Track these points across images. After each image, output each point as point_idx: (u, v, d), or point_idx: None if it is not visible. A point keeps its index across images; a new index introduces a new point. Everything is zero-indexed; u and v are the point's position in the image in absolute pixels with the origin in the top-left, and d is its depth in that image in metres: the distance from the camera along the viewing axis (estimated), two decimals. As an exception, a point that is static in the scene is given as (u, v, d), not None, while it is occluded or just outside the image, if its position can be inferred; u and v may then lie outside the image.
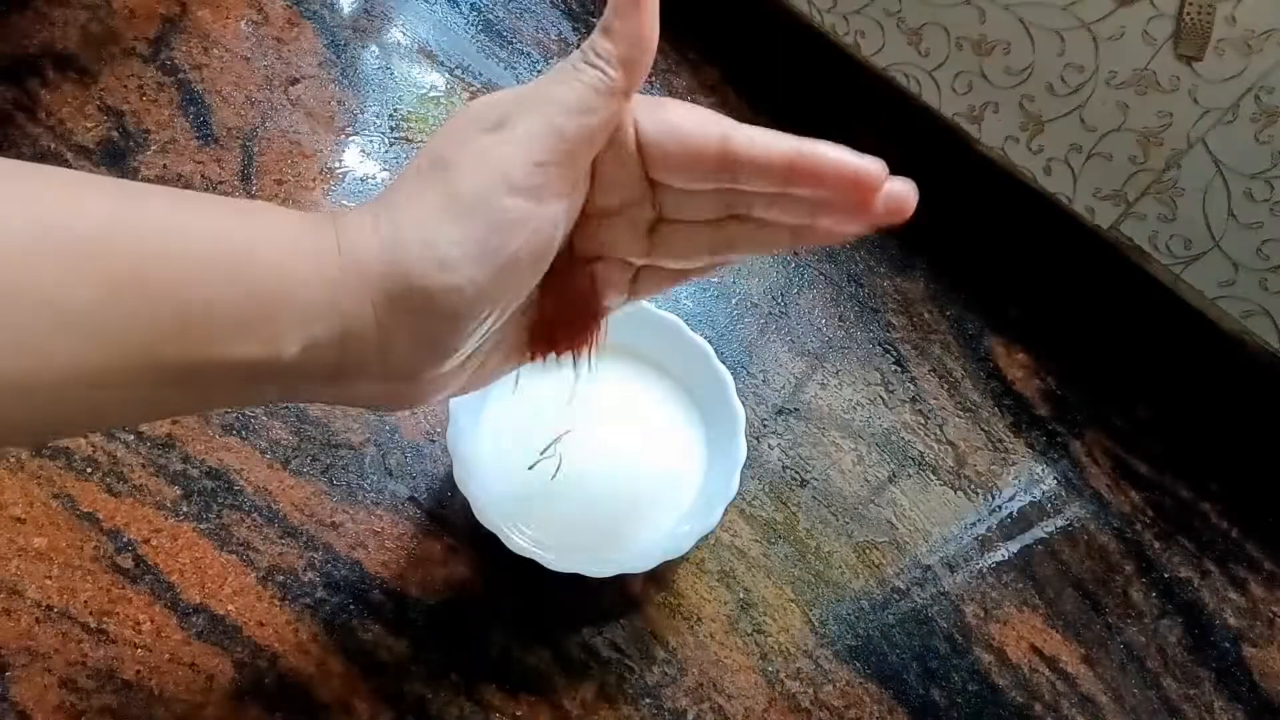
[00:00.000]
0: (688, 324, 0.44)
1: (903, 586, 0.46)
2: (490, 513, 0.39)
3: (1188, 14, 0.46)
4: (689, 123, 0.28)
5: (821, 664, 0.43)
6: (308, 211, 0.27)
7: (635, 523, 0.42)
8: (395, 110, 0.52)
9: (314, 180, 0.48)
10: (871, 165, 0.27)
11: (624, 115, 0.28)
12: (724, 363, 0.43)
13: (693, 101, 0.58)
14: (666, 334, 0.44)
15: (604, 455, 0.43)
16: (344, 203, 0.48)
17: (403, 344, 0.27)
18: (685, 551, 0.40)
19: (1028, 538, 0.49)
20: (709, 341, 0.44)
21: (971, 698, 0.44)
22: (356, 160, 0.49)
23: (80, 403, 0.24)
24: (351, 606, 0.39)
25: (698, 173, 0.28)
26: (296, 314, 0.25)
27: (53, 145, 0.45)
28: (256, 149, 0.48)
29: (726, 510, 0.41)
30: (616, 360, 0.45)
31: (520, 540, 0.39)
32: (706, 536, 0.40)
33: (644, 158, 0.29)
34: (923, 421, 0.51)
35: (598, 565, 0.39)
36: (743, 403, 0.43)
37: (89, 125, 0.46)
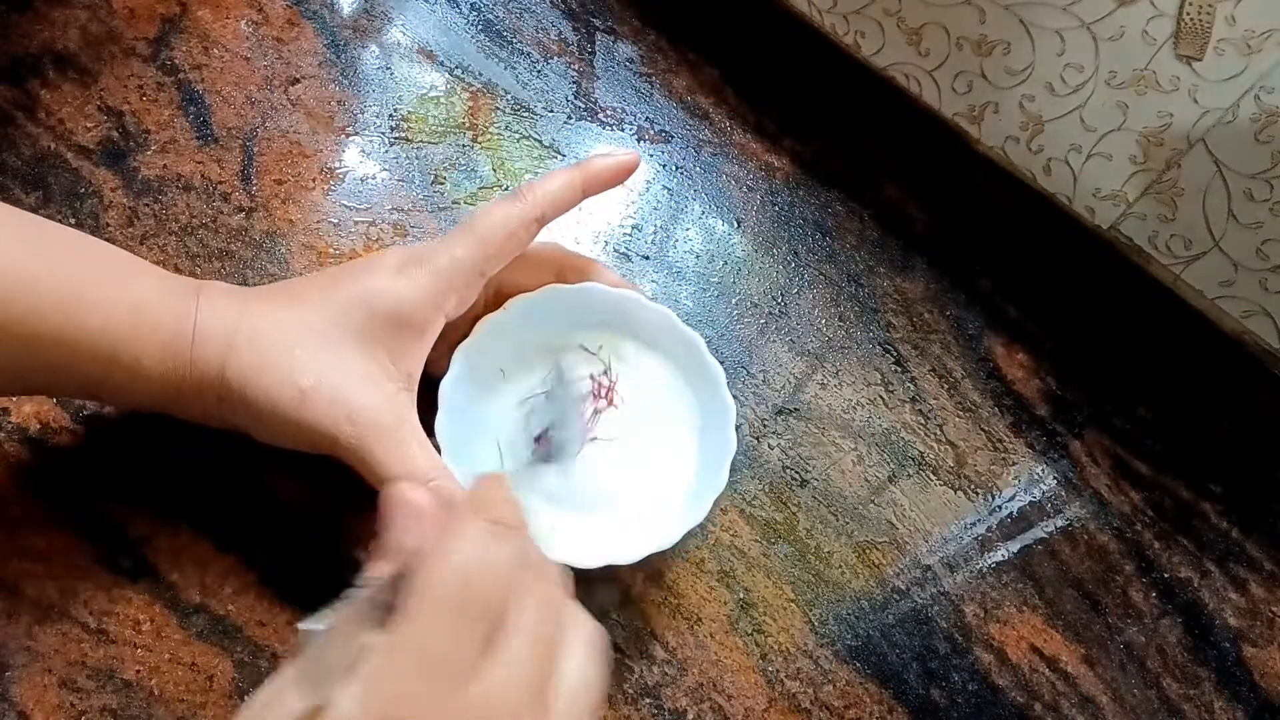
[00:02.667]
0: (686, 324, 0.44)
1: (903, 586, 0.46)
2: None
3: (1187, 14, 0.46)
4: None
5: (822, 664, 0.43)
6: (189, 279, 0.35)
7: (624, 514, 0.42)
8: (395, 110, 0.52)
9: (314, 180, 0.48)
10: (625, 159, 0.40)
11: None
12: (723, 362, 0.43)
13: (693, 102, 0.58)
14: (660, 326, 0.43)
15: (594, 445, 0.43)
16: (344, 203, 0.48)
17: (235, 419, 0.36)
18: (674, 543, 0.39)
19: (1028, 538, 0.49)
20: (708, 341, 0.44)
21: (971, 697, 0.44)
22: (356, 160, 0.49)
23: None
24: (351, 606, 0.39)
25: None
26: (140, 391, 0.34)
27: (53, 145, 0.45)
28: (257, 149, 0.48)
29: (717, 502, 0.40)
30: (615, 346, 0.44)
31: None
32: (696, 529, 0.40)
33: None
34: (923, 421, 0.51)
35: (585, 556, 0.38)
36: (743, 402, 0.43)
37: (89, 125, 0.46)
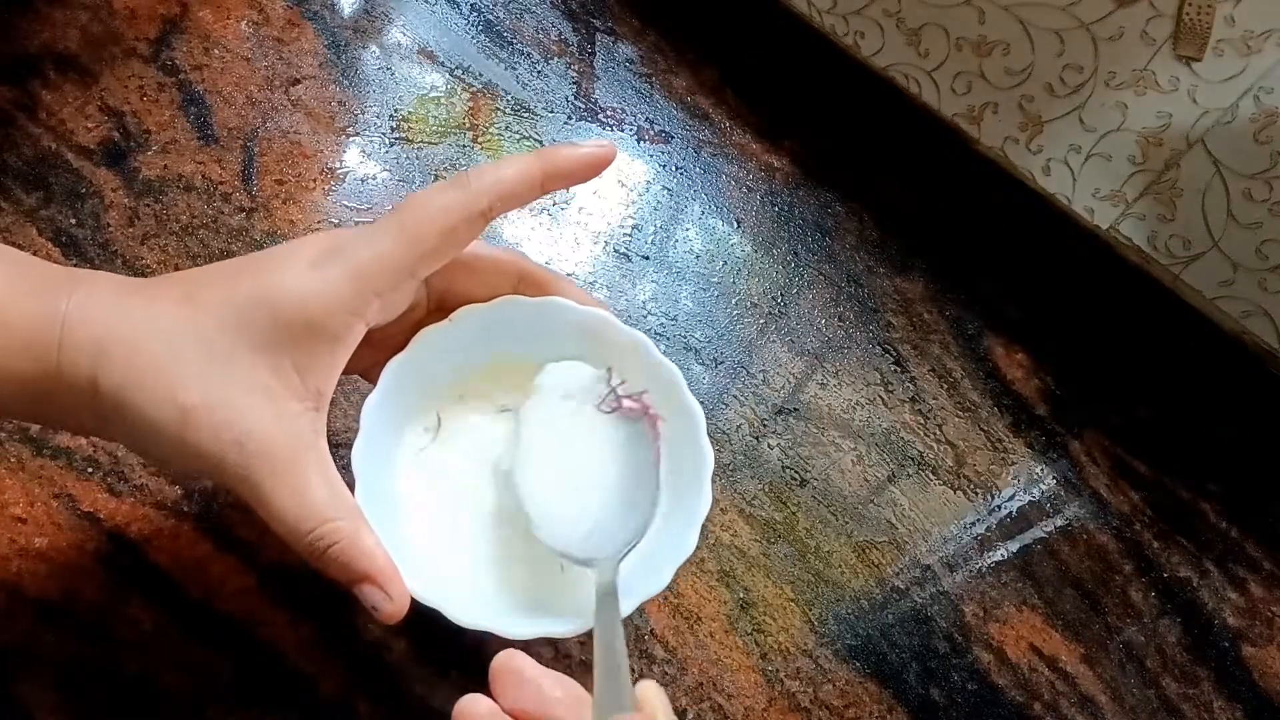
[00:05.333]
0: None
1: (902, 586, 0.46)
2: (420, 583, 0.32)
3: (1187, 14, 0.47)
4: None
5: (821, 663, 0.43)
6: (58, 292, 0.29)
7: (563, 580, 0.35)
8: (395, 111, 0.52)
9: (314, 180, 0.48)
10: (594, 152, 0.34)
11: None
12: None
13: (693, 102, 0.58)
14: (633, 354, 0.37)
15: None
16: (345, 203, 0.48)
17: (115, 435, 0.31)
18: (625, 615, 0.33)
19: (1027, 537, 0.49)
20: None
21: (971, 697, 0.44)
22: (357, 160, 0.50)
23: None
24: (352, 606, 0.39)
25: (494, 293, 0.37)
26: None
27: (53, 145, 0.45)
28: (257, 149, 0.48)
29: (679, 571, 0.34)
30: (559, 377, 0.37)
31: (415, 584, 0.32)
32: (651, 598, 0.34)
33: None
34: (922, 421, 0.51)
35: (514, 625, 0.33)
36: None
37: (90, 125, 0.46)
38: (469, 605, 0.33)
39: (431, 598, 0.32)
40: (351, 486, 0.33)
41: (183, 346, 0.29)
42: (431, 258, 0.32)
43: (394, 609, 0.31)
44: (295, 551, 0.31)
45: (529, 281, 0.37)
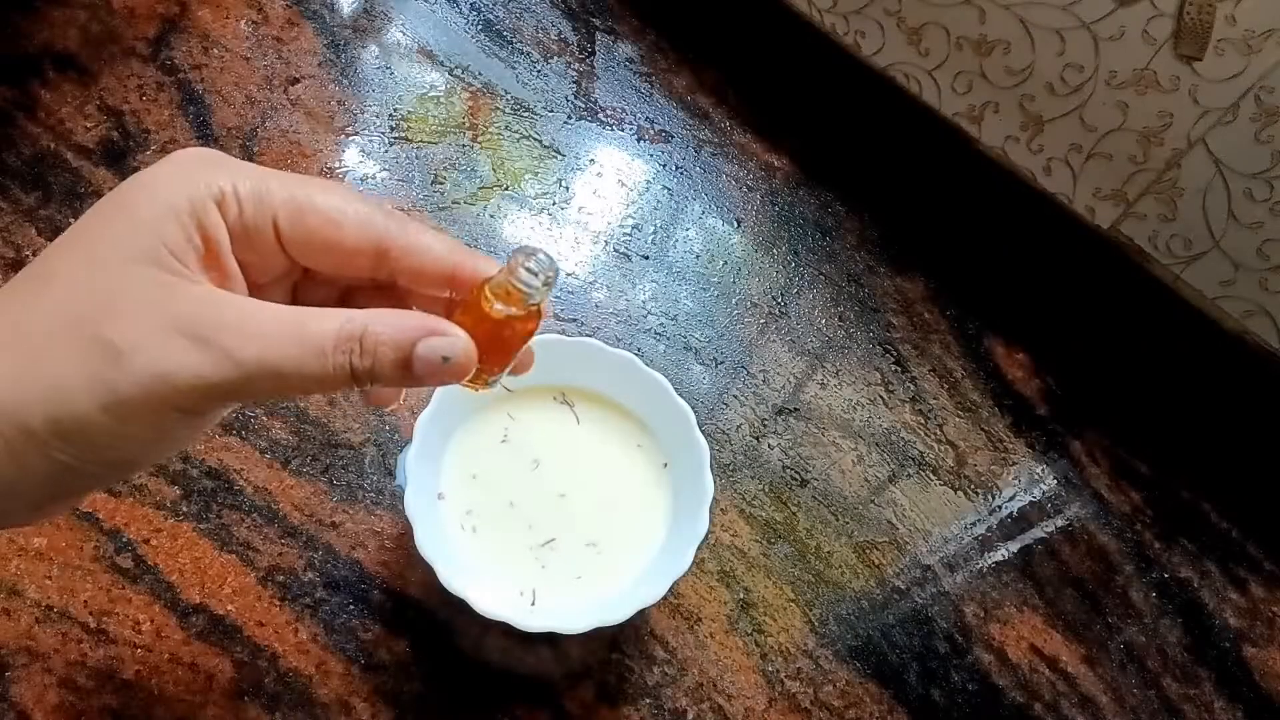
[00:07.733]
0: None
1: (903, 586, 0.46)
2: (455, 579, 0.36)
3: (1188, 14, 0.46)
4: (337, 232, 0.27)
5: (821, 664, 0.43)
6: None
7: (603, 573, 0.40)
8: (395, 110, 0.52)
9: (314, 180, 0.48)
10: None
11: (260, 214, 0.26)
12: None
13: (693, 102, 0.58)
14: (622, 370, 0.41)
15: (555, 510, 0.41)
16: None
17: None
18: (659, 598, 0.37)
19: (1028, 537, 0.49)
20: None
21: (971, 697, 0.44)
22: (356, 160, 0.49)
23: None
24: (351, 606, 0.39)
25: (347, 272, 0.28)
26: None
27: (52, 145, 0.45)
28: (257, 148, 0.48)
29: (699, 549, 0.38)
30: (593, 409, 0.42)
31: (446, 573, 0.36)
32: (652, 604, 0.38)
33: (287, 253, 0.27)
34: (923, 421, 0.51)
35: (572, 621, 0.37)
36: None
37: (89, 125, 0.46)
38: (494, 599, 0.37)
39: (459, 586, 0.36)
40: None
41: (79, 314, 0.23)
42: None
43: (465, 346, 0.26)
44: (335, 393, 0.26)
45: (388, 257, 0.28)
